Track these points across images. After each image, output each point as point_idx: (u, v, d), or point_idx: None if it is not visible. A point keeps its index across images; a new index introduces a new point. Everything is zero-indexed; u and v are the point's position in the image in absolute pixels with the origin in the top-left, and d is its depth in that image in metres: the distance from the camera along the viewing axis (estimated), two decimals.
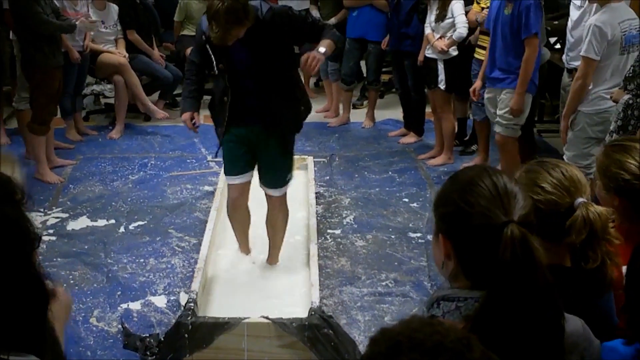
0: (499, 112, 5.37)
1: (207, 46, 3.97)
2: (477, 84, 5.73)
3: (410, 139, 7.20)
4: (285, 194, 4.36)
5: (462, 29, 6.12)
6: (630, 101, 3.98)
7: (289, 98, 4.11)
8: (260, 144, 4.15)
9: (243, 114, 4.08)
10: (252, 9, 3.76)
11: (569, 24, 5.25)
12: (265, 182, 4.30)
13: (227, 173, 4.31)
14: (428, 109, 7.04)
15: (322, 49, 3.97)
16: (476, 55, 6.08)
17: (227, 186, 4.39)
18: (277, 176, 4.26)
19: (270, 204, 4.38)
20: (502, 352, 1.38)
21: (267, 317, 3.65)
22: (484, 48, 5.97)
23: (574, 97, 4.70)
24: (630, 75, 4.07)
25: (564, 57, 5.43)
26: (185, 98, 4.34)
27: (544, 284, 1.42)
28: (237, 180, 4.25)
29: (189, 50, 7.98)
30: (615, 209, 2.28)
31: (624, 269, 2.21)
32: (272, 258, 4.54)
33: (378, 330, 1.15)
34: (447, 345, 1.07)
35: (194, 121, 4.24)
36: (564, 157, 4.80)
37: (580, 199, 1.96)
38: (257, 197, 4.50)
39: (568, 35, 5.26)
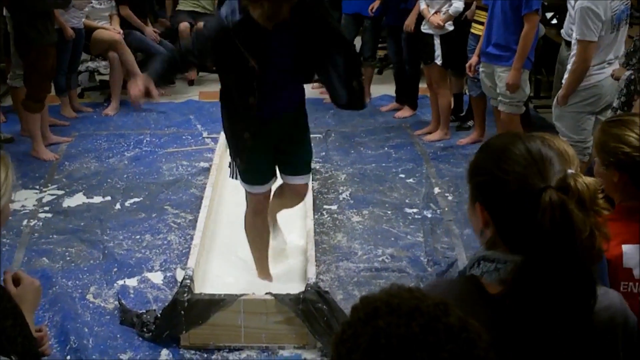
0: (500, 90, 5.36)
1: (236, 40, 3.41)
2: (473, 59, 5.72)
3: (406, 112, 7.19)
4: (308, 183, 4.10)
5: (458, 4, 6.08)
6: (633, 76, 3.93)
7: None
8: (287, 129, 3.78)
9: (272, 107, 3.63)
10: None
11: None
12: (291, 170, 3.89)
13: (248, 182, 3.85)
14: (422, 84, 7.03)
15: None
16: (473, 31, 6.05)
17: (248, 195, 3.94)
18: (303, 161, 3.92)
19: (294, 193, 4.00)
20: (536, 318, 1.41)
21: (263, 293, 3.66)
22: (480, 23, 5.93)
23: (576, 80, 4.54)
24: (632, 50, 4.02)
25: (563, 30, 5.37)
26: (159, 60, 3.72)
27: (583, 250, 1.43)
28: (262, 189, 3.87)
29: (182, 25, 8.08)
30: (614, 186, 2.25)
31: (624, 247, 2.20)
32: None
33: (359, 298, 1.17)
34: (423, 310, 1.09)
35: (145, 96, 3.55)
36: (559, 134, 4.78)
37: (569, 170, 1.96)
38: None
39: (570, 9, 5.19)
